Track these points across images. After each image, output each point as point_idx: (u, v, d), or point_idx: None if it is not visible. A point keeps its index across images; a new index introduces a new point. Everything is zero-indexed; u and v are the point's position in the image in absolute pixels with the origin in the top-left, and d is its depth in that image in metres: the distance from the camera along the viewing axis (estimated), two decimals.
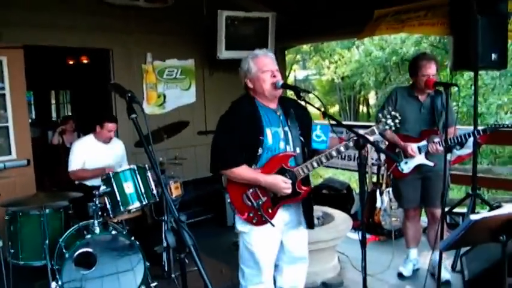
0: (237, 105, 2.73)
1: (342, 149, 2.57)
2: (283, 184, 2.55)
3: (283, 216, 2.72)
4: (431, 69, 3.64)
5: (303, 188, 2.65)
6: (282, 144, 2.66)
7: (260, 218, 2.60)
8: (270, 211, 2.62)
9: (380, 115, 2.64)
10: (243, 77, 2.71)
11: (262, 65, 2.64)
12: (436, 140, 3.67)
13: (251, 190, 2.60)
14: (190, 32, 5.90)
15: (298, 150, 2.68)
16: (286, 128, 2.70)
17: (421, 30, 4.76)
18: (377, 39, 16.13)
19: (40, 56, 7.52)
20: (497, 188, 6.85)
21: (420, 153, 3.74)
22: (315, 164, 2.61)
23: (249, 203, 2.60)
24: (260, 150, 2.60)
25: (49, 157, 6.15)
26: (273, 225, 2.61)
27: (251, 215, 2.61)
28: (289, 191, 2.57)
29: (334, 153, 2.58)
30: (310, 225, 2.79)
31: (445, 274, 3.77)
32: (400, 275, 4.05)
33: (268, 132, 2.63)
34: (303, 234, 2.88)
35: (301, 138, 2.72)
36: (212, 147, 2.68)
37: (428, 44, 15.01)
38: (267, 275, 2.76)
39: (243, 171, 2.58)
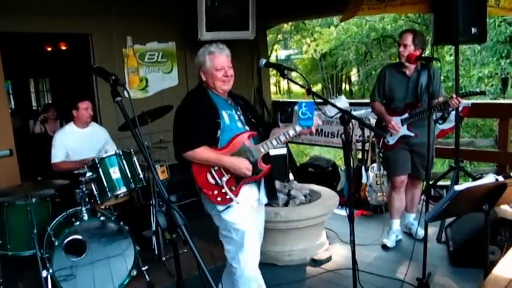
0: (191, 96, 2.87)
1: (298, 128, 2.65)
2: (244, 164, 2.65)
3: (252, 193, 2.83)
4: (402, 40, 3.82)
5: (263, 165, 2.76)
6: (239, 124, 2.79)
7: (224, 196, 2.67)
8: (233, 189, 2.69)
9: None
10: (198, 68, 2.84)
11: (217, 63, 2.75)
12: (418, 110, 3.83)
13: (216, 168, 2.68)
14: (170, 14, 5.82)
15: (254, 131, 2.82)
16: (239, 113, 2.85)
17: (403, 10, 4.78)
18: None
19: (17, 44, 7.35)
20: (479, 161, 6.99)
21: (403, 125, 3.92)
22: (274, 142, 2.72)
23: (213, 181, 2.67)
24: (219, 133, 2.70)
25: (32, 146, 6.07)
26: (238, 203, 2.69)
27: (215, 193, 2.68)
28: (249, 172, 2.67)
29: (291, 132, 2.68)
30: (271, 196, 2.97)
31: (420, 231, 3.94)
32: (384, 247, 4.15)
33: (224, 114, 2.76)
34: (263, 211, 3.06)
35: (253, 120, 2.89)
36: (173, 136, 2.77)
37: (406, 20, 15.08)
38: (256, 246, 2.82)
39: (206, 152, 2.65)
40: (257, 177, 2.79)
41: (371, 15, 4.93)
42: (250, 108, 3.05)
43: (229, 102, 2.88)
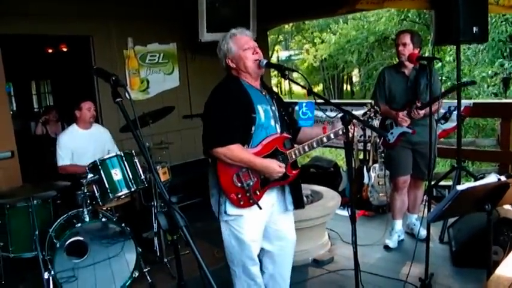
0: (222, 87, 2.66)
1: (332, 135, 2.60)
2: (278, 168, 2.54)
3: (270, 198, 2.71)
4: (400, 39, 3.83)
5: (293, 171, 2.65)
6: (272, 122, 2.64)
7: (247, 199, 2.56)
8: (257, 193, 2.59)
9: (365, 108, 2.68)
10: (224, 57, 2.66)
11: (242, 43, 2.61)
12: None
13: (243, 170, 2.54)
14: (171, 15, 5.82)
15: (285, 131, 2.69)
16: (274, 108, 2.69)
17: (402, 5, 4.77)
18: (351, 17, 16.25)
19: (18, 46, 7.36)
20: (481, 160, 6.97)
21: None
22: (307, 148, 2.62)
23: (239, 184, 2.54)
24: (253, 129, 2.54)
25: (33, 148, 6.08)
26: (260, 208, 2.59)
27: (239, 196, 2.56)
28: (281, 174, 2.57)
29: (325, 139, 2.60)
30: (298, 205, 2.81)
31: (422, 232, 3.94)
32: (387, 247, 4.15)
33: (260, 109, 2.59)
34: (291, 217, 2.91)
35: (286, 118, 2.75)
36: (205, 129, 2.60)
37: (407, 20, 15.13)
38: (256, 254, 2.76)
39: (240, 150, 2.50)
40: (284, 183, 2.68)
41: (370, 9, 4.92)
42: (283, 104, 2.85)
43: (263, 93, 2.70)
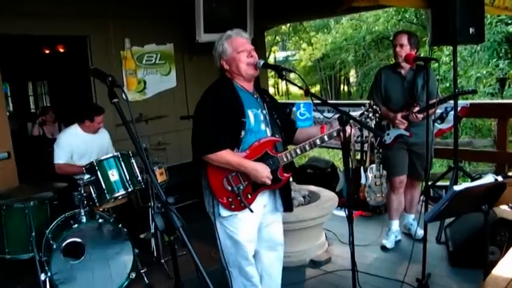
0: (214, 89, 2.64)
1: (326, 138, 2.58)
2: (266, 173, 2.52)
3: (262, 199, 2.71)
4: (397, 40, 3.82)
5: (285, 174, 2.64)
6: (263, 126, 2.64)
7: (238, 203, 2.56)
8: (249, 196, 2.58)
9: (363, 108, 2.63)
10: (218, 58, 2.65)
11: (237, 45, 2.59)
12: (415, 109, 3.79)
13: (233, 174, 2.54)
14: (168, 16, 5.83)
15: (277, 135, 2.68)
16: (265, 111, 2.68)
17: (398, 2, 4.75)
18: (349, 17, 16.28)
19: (15, 46, 7.34)
20: (478, 161, 7.00)
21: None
22: (299, 151, 2.60)
23: (229, 188, 2.54)
24: (243, 133, 2.53)
25: (30, 149, 6.05)
26: (252, 211, 2.58)
27: (230, 199, 2.56)
28: (269, 181, 2.54)
29: (318, 142, 2.58)
30: (287, 208, 2.81)
31: (419, 231, 3.95)
32: (384, 247, 4.15)
33: (250, 113, 2.58)
34: (280, 218, 2.92)
35: (278, 121, 2.74)
36: (193, 133, 2.61)
37: (403, 20, 15.17)
38: (251, 255, 2.77)
39: (228, 155, 2.49)
40: (276, 187, 2.66)
41: (366, 6, 4.90)
42: (276, 106, 2.85)
43: (255, 96, 2.68)
